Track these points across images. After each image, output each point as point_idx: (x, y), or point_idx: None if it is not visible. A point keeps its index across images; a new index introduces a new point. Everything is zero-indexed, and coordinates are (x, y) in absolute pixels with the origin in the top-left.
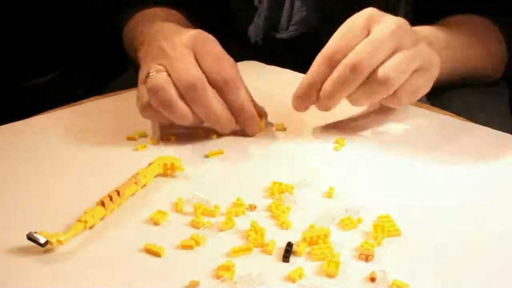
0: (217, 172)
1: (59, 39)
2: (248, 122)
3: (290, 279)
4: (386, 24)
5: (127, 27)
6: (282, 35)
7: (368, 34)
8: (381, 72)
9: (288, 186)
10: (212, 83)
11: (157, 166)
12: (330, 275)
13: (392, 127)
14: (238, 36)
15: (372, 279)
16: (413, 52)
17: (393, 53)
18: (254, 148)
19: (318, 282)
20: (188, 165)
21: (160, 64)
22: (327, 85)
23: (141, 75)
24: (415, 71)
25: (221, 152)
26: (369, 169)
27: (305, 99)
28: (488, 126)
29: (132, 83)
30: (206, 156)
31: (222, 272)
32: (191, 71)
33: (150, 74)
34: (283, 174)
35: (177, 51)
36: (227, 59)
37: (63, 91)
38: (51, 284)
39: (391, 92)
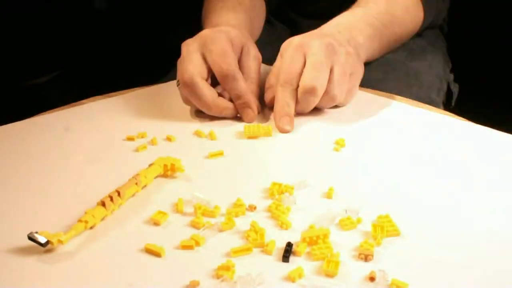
0: (217, 173)
1: (59, 39)
2: (245, 111)
3: (290, 279)
4: (317, 49)
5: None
6: None
7: (305, 59)
8: (330, 92)
9: (288, 186)
10: (216, 75)
11: (158, 167)
12: (330, 275)
13: (392, 127)
14: None
15: (372, 279)
16: (344, 67)
17: (331, 70)
18: (254, 149)
19: (318, 282)
20: (188, 165)
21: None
22: (296, 108)
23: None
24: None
25: (221, 153)
26: (369, 169)
27: (289, 121)
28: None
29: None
30: (206, 157)
31: (222, 272)
32: (188, 71)
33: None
34: (283, 174)
35: (188, 53)
36: (228, 55)
37: (63, 91)
38: (51, 284)
39: (337, 102)
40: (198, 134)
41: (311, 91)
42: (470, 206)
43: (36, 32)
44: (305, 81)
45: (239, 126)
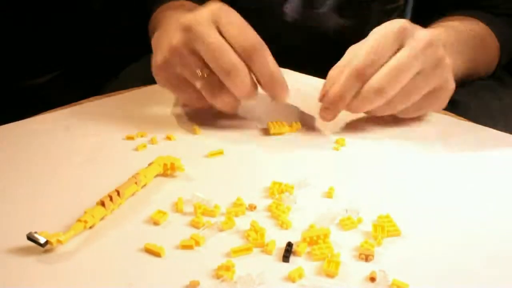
0: (217, 172)
1: (59, 39)
2: (277, 89)
3: (290, 279)
4: (417, 41)
5: (152, 17)
6: (320, 10)
7: (399, 48)
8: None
9: (288, 186)
10: (238, 51)
11: (157, 166)
12: (330, 275)
13: (392, 127)
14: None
15: (372, 279)
16: (431, 77)
17: (415, 75)
18: (254, 148)
19: (318, 282)
20: (188, 165)
21: (192, 50)
22: (355, 102)
23: (165, 42)
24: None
25: (221, 152)
26: (369, 169)
27: (333, 109)
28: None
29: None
30: (206, 156)
31: (222, 272)
32: (227, 56)
33: (202, 80)
34: (283, 174)
35: (201, 26)
36: (250, 27)
37: (63, 91)
38: (51, 284)
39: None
40: (197, 133)
41: (378, 91)
42: (471, 206)
43: (36, 32)
44: (375, 80)
45: (239, 126)
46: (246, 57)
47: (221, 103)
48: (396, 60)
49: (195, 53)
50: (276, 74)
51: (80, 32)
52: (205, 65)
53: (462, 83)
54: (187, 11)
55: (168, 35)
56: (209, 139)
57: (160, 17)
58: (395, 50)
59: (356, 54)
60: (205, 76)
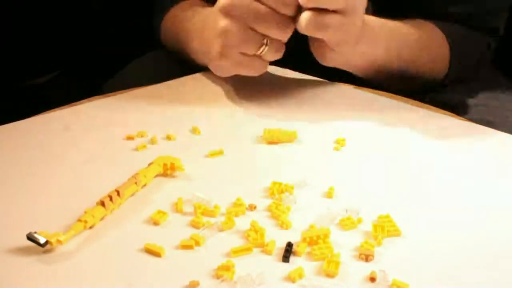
0: (217, 172)
1: (59, 39)
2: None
3: (290, 279)
4: None
5: (169, 21)
6: None
7: None
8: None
9: (288, 186)
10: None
11: (157, 166)
12: (330, 275)
13: (393, 127)
14: None
15: (372, 279)
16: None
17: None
18: (254, 148)
19: (318, 282)
20: (188, 165)
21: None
22: None
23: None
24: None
25: (221, 152)
26: (369, 169)
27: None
28: None
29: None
30: (206, 156)
31: (222, 272)
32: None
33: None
34: (283, 174)
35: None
36: None
37: (63, 91)
38: (51, 284)
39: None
40: (197, 133)
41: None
42: (471, 206)
43: (36, 32)
44: None
45: (239, 125)
46: None
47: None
48: None
49: (249, 27)
50: None
51: (80, 32)
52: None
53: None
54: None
55: (210, 25)
56: (209, 139)
57: (182, 17)
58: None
59: None
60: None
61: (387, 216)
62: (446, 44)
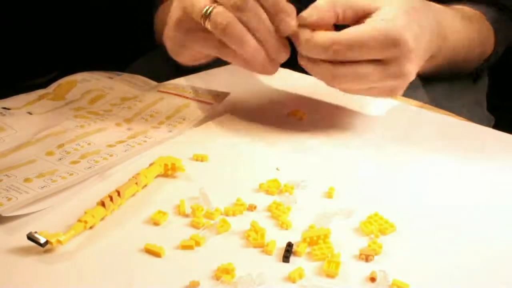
0: (218, 173)
1: (59, 39)
2: (280, 17)
3: (290, 279)
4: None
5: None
6: None
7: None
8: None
9: (288, 186)
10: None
11: (158, 166)
12: (330, 275)
13: (393, 127)
14: None
15: (372, 279)
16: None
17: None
18: (254, 149)
19: (318, 282)
20: (189, 165)
21: None
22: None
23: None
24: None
25: (222, 153)
26: (369, 169)
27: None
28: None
29: None
30: (206, 156)
31: (222, 274)
32: None
33: (209, 16)
34: (283, 174)
35: None
36: None
37: None
38: (51, 284)
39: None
40: (198, 133)
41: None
42: (471, 207)
43: (36, 32)
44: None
45: (240, 126)
46: (272, 11)
47: (230, 38)
48: (365, 75)
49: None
50: (279, 1)
51: (80, 32)
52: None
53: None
54: None
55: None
56: (209, 139)
57: (164, 7)
58: (376, 58)
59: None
60: (212, 9)
61: (376, 214)
62: (492, 34)
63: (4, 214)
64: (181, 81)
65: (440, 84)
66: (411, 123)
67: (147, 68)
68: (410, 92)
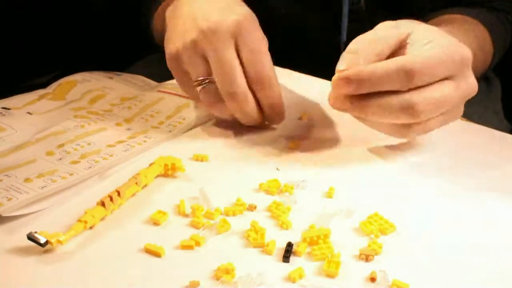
0: (218, 173)
1: (59, 39)
2: (275, 119)
3: (290, 279)
4: (467, 86)
5: (159, 9)
6: None
7: (449, 76)
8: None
9: (288, 186)
10: (247, 76)
11: (158, 166)
12: (330, 275)
13: None
14: None
15: (372, 279)
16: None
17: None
18: (254, 149)
19: (318, 282)
20: (189, 165)
21: (202, 56)
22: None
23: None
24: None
25: (222, 153)
26: (369, 169)
27: (353, 88)
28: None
29: None
30: (207, 157)
31: (222, 274)
32: (235, 82)
33: (201, 87)
34: (283, 174)
35: (218, 38)
36: (265, 53)
37: None
38: (51, 284)
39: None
40: (199, 133)
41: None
42: (471, 207)
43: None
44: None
45: (240, 126)
46: (255, 85)
47: (219, 112)
48: (443, 96)
49: (205, 58)
50: (278, 107)
51: (80, 32)
52: (210, 74)
53: None
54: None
55: (185, 26)
56: (209, 139)
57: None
58: (447, 76)
59: (412, 51)
60: (206, 84)
61: (376, 214)
62: (491, 40)
63: (4, 214)
64: None
65: None
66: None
67: (145, 71)
68: None
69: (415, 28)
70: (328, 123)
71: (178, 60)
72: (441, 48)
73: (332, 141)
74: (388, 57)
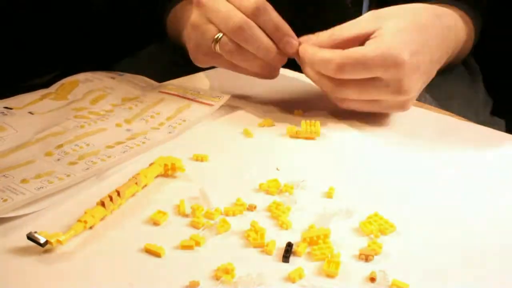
0: (218, 173)
1: (59, 39)
2: (285, 40)
3: (290, 279)
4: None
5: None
6: None
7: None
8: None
9: (288, 186)
10: (245, 14)
11: (158, 166)
12: (330, 275)
13: (393, 127)
14: None
15: (372, 279)
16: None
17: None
18: (254, 149)
19: (318, 282)
20: (189, 165)
21: (208, 21)
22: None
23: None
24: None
25: (222, 153)
26: (369, 169)
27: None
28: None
29: None
30: (207, 157)
31: (222, 274)
32: (233, 17)
33: (216, 43)
34: (284, 174)
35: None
36: None
37: None
38: (51, 284)
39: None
40: (199, 133)
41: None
42: (471, 207)
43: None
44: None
45: (240, 126)
46: (252, 17)
47: (238, 59)
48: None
49: (211, 22)
50: (280, 25)
51: (81, 32)
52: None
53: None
54: None
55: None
56: (209, 139)
57: (183, 10)
58: (377, 75)
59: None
60: (219, 38)
61: (376, 214)
62: (472, 31)
63: None
64: (182, 82)
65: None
66: (412, 123)
67: (133, 68)
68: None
69: (388, 24)
70: (327, 123)
71: (196, 44)
72: (376, 51)
73: (332, 141)
74: (361, 44)
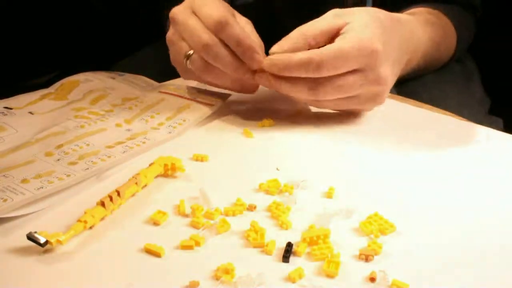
0: (217, 173)
1: (59, 39)
2: (247, 55)
3: (290, 279)
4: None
5: None
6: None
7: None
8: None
9: (288, 186)
10: (209, 28)
11: (158, 166)
12: (330, 275)
13: (393, 127)
14: None
15: (372, 279)
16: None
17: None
18: (254, 149)
19: (318, 282)
20: (189, 165)
21: (180, 38)
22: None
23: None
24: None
25: (222, 153)
26: (369, 169)
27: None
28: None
29: None
30: (207, 157)
31: (222, 274)
32: (201, 35)
33: (189, 55)
34: (283, 174)
35: (179, 16)
36: (218, 4)
37: None
38: (51, 284)
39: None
40: (198, 133)
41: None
42: (471, 206)
43: (36, 32)
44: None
45: (240, 126)
46: (216, 33)
47: (207, 76)
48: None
49: (184, 39)
50: (241, 40)
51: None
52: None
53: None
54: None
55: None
56: (209, 139)
57: None
58: (355, 68)
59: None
60: (189, 55)
61: (376, 214)
62: (454, 31)
63: None
64: (182, 82)
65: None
66: (411, 123)
67: (132, 68)
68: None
69: (354, 18)
70: (327, 123)
71: (173, 57)
72: (350, 42)
73: (332, 141)
74: (330, 42)
